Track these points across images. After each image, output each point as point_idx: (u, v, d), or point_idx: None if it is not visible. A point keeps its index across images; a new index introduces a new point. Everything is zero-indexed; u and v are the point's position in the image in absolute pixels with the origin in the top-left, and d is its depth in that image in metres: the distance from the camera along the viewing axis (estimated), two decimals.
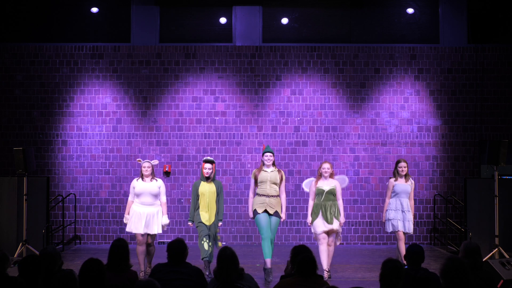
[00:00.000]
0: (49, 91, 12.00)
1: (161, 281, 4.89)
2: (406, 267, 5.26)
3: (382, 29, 12.30)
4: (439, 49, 12.11)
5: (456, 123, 12.03)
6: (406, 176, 8.80)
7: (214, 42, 12.19)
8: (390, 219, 8.71)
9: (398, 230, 8.67)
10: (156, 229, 8.46)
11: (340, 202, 8.46)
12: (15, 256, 9.33)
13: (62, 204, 11.68)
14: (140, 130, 11.95)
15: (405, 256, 5.48)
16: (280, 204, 8.47)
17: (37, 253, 7.33)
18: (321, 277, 4.93)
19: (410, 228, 8.67)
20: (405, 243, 8.62)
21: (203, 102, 11.97)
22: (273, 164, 8.55)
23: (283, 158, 11.88)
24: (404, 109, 12.03)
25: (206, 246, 8.29)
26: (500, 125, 12.04)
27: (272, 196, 8.41)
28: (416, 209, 11.79)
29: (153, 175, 8.58)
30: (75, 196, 11.77)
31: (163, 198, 8.62)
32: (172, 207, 11.67)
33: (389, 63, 12.10)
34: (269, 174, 8.43)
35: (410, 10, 12.30)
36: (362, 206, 11.85)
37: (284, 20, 12.31)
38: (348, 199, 11.81)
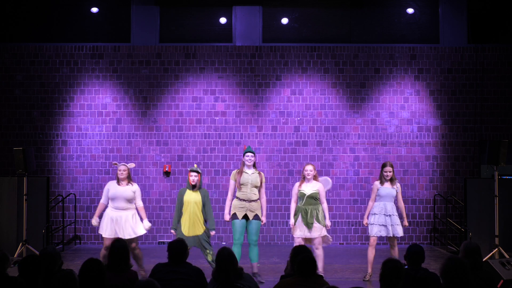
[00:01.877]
0: (49, 91, 12.00)
1: (161, 281, 4.89)
2: (406, 267, 5.26)
3: (382, 29, 12.30)
4: (439, 49, 12.11)
5: (456, 123, 12.03)
6: (391, 180, 8.61)
7: (214, 42, 12.18)
8: (370, 224, 8.53)
9: (373, 236, 8.47)
10: (128, 234, 8.16)
11: (324, 206, 8.26)
12: (15, 256, 9.33)
13: (62, 204, 11.68)
14: (140, 130, 11.94)
15: (405, 256, 5.48)
16: (261, 208, 8.37)
17: (37, 253, 7.33)
18: (321, 277, 4.92)
19: (397, 232, 8.40)
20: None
21: (203, 102, 11.97)
22: (254, 166, 8.40)
23: (283, 158, 11.87)
24: (404, 109, 12.03)
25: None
26: (500, 125, 12.04)
27: (252, 200, 8.30)
28: (416, 209, 11.80)
29: (130, 179, 8.41)
30: (75, 196, 11.77)
31: (139, 203, 8.41)
32: (172, 207, 11.65)
33: (389, 63, 12.10)
34: (250, 176, 8.30)
35: (410, 10, 12.30)
36: (362, 206, 11.83)
37: (284, 20, 12.31)
38: (348, 199, 11.81)
